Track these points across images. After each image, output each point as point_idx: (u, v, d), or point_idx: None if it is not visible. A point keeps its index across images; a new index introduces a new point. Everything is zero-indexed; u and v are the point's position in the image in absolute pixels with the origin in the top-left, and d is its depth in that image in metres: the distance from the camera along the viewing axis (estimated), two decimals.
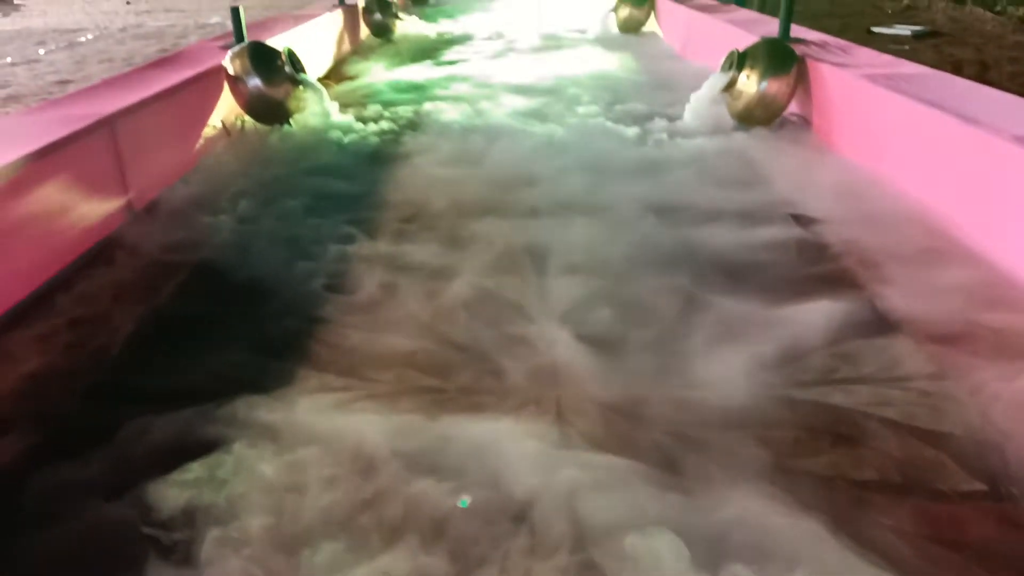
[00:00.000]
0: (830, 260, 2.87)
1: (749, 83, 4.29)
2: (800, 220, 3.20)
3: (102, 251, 3.12)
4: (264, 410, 2.11)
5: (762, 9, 7.79)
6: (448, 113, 5.07)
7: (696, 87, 4.62)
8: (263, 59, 4.52)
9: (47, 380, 2.34)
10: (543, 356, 2.32)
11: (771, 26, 5.39)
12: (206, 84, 4.39)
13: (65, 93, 4.91)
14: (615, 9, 8.47)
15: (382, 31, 8.38)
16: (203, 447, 1.97)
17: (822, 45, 4.66)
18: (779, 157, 3.93)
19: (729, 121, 4.43)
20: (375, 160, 4.23)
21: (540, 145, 4.31)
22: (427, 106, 5.30)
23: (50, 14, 13.41)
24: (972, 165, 2.92)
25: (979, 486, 1.77)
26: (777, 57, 4.35)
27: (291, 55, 4.65)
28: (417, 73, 6.62)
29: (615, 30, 8.46)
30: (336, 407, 2.14)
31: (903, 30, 7.95)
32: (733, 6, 7.58)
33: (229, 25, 4.90)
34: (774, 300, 2.56)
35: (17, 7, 15.59)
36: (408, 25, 8.72)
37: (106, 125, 3.32)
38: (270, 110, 4.60)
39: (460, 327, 2.49)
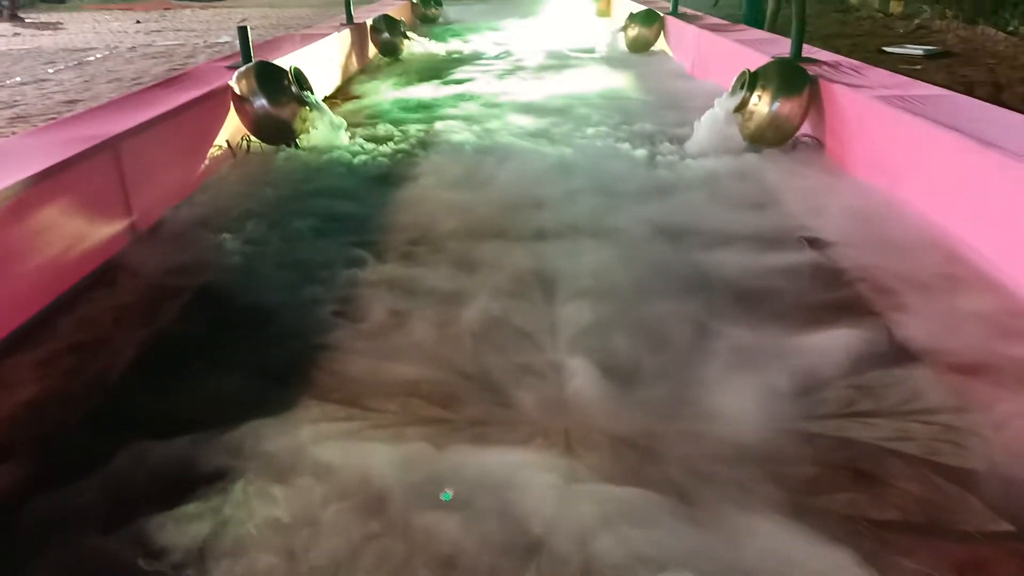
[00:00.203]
0: (845, 286, 2.81)
1: (761, 104, 4.24)
2: (814, 244, 3.14)
3: (104, 273, 3.07)
4: (267, 439, 2.06)
5: (772, 29, 7.76)
6: (456, 133, 5.03)
7: (706, 107, 4.57)
8: (269, 79, 4.50)
9: (45, 406, 2.28)
10: (551, 385, 2.26)
11: (782, 46, 5.35)
12: (212, 104, 4.37)
13: (72, 112, 4.90)
14: (624, 28, 8.45)
15: (390, 50, 8.38)
16: (204, 477, 1.91)
17: (834, 65, 4.61)
18: (791, 179, 3.87)
19: (740, 142, 4.37)
20: (382, 181, 4.18)
21: (549, 166, 4.26)
22: (435, 126, 5.27)
23: (71, 31, 13.48)
24: (991, 188, 2.86)
25: (1005, 527, 1.70)
26: (789, 77, 4.30)
27: (298, 74, 4.62)
28: (425, 92, 6.60)
29: (624, 49, 8.43)
30: (341, 437, 2.08)
31: (914, 50, 7.90)
32: (742, 26, 7.57)
33: (238, 45, 4.88)
34: (788, 328, 2.49)
35: (23, 21, 15.73)
36: (416, 44, 8.71)
37: (109, 146, 3.28)
38: (276, 130, 4.57)
39: (466, 355, 2.44)
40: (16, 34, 13.47)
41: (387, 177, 4.24)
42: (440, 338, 2.54)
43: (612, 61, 7.90)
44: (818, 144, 4.29)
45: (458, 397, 2.23)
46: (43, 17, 16.39)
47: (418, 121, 5.47)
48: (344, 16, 8.16)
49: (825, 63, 4.69)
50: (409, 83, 7.02)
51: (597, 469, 1.92)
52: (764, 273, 2.89)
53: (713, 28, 7.00)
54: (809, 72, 4.36)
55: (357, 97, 6.55)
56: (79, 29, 14.16)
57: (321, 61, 6.58)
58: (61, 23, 15.47)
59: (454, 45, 9.48)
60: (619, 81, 6.86)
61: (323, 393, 2.27)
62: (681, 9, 8.35)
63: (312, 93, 4.72)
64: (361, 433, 2.10)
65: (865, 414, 2.07)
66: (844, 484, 1.83)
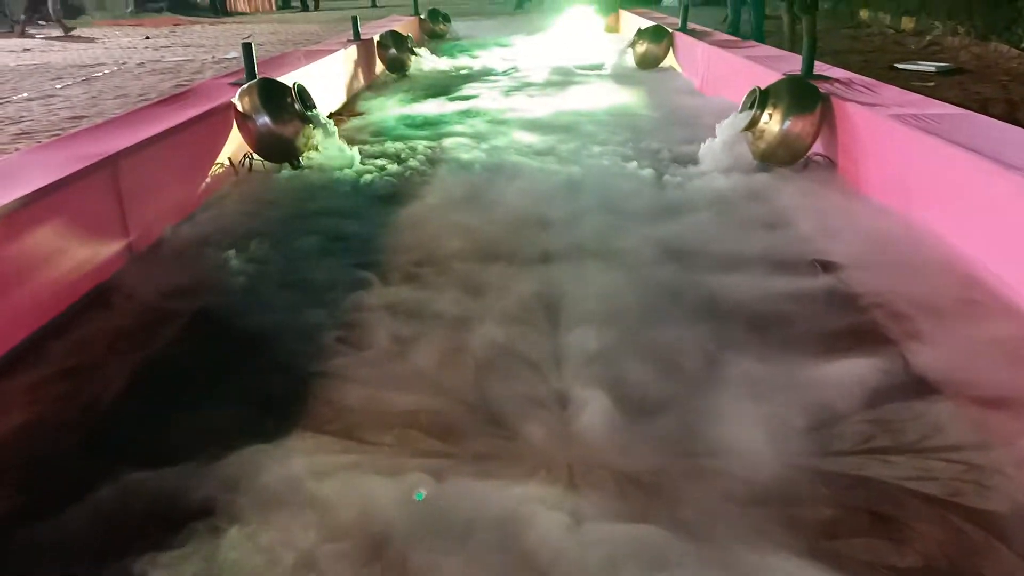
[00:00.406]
0: (860, 312, 2.71)
1: (771, 122, 4.16)
2: (827, 267, 3.05)
3: (100, 295, 3.00)
4: (262, 472, 1.98)
5: (792, 46, 7.68)
6: (462, 151, 4.97)
7: (716, 124, 4.49)
8: (272, 96, 4.44)
9: (34, 434, 2.21)
10: (555, 417, 2.18)
11: (793, 63, 5.28)
12: (214, 121, 4.31)
13: (77, 128, 4.85)
14: (632, 44, 8.40)
15: (397, 66, 8.34)
16: (195, 512, 1.84)
17: (847, 83, 4.53)
18: (803, 199, 3.78)
19: (751, 161, 4.29)
20: (386, 199, 4.11)
21: (556, 185, 4.19)
22: (441, 143, 5.20)
23: (81, 47, 13.52)
24: (1010, 211, 2.77)
25: None
26: (801, 95, 4.22)
27: (301, 91, 4.56)
28: (432, 108, 6.55)
29: (633, 65, 8.37)
30: (338, 470, 2.00)
31: (927, 67, 7.82)
32: (752, 42, 7.51)
33: (255, 56, 4.83)
34: (801, 357, 2.40)
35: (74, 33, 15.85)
36: (424, 60, 8.67)
37: (107, 165, 3.22)
38: (279, 148, 4.51)
39: (468, 384, 2.36)
40: (26, 49, 13.50)
41: (392, 196, 4.17)
42: (441, 365, 2.47)
43: (620, 77, 7.84)
44: (830, 163, 4.21)
45: (458, 429, 2.15)
46: (54, 32, 16.44)
47: (424, 138, 5.40)
48: (351, 32, 8.13)
49: (837, 80, 4.61)
50: (416, 99, 6.97)
51: (603, 507, 1.83)
52: (776, 298, 2.80)
53: (723, 44, 6.94)
54: (821, 90, 4.28)
55: (363, 113, 6.50)
56: (89, 44, 14.20)
57: (327, 77, 6.54)
58: (77, 36, 15.54)
59: (462, 61, 9.44)
60: (627, 98, 6.80)
61: (320, 424, 2.19)
62: (690, 25, 8.29)
63: (316, 110, 4.66)
64: (359, 466, 2.03)
65: (883, 451, 1.98)
66: (862, 527, 1.74)
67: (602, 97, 6.83)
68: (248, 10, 23.22)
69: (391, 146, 5.17)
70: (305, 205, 4.05)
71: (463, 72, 8.65)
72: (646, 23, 8.87)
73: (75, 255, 2.96)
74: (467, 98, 6.99)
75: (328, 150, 4.64)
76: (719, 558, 1.65)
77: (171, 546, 1.74)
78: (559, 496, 1.87)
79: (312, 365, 2.48)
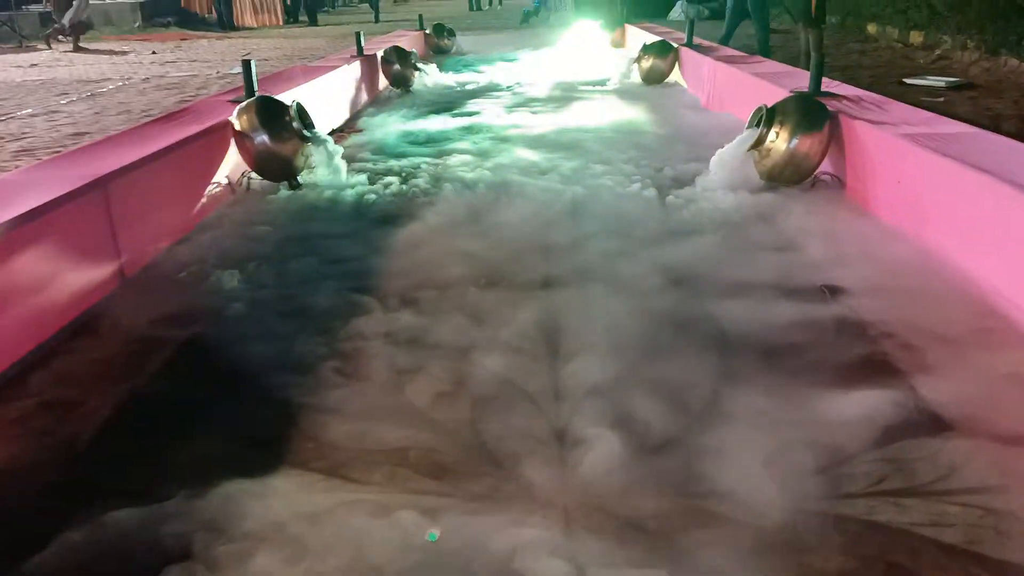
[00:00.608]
0: (870, 341, 2.61)
1: (778, 141, 4.07)
2: (836, 293, 2.95)
3: (87, 323, 2.92)
4: (243, 512, 1.91)
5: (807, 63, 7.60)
6: (465, 169, 4.88)
7: (722, 142, 4.39)
8: (270, 114, 4.37)
9: (11, 473, 2.13)
10: (553, 455, 2.08)
11: (800, 79, 5.20)
12: (211, 140, 4.24)
13: (78, 145, 4.79)
14: (638, 59, 8.31)
15: (401, 82, 8.28)
16: (172, 555, 1.76)
17: (856, 100, 4.44)
18: (811, 221, 3.68)
19: (757, 180, 4.19)
20: (386, 221, 4.02)
21: (558, 206, 4.10)
22: (443, 162, 5.12)
23: (89, 62, 13.52)
24: None
25: None
26: (808, 113, 4.13)
27: (300, 109, 4.49)
28: (434, 125, 6.48)
29: (638, 80, 8.29)
30: (326, 510, 1.91)
31: (936, 81, 7.72)
32: (759, 57, 7.43)
33: (254, 73, 4.77)
34: (810, 390, 2.31)
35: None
36: (427, 76, 8.61)
37: (98, 186, 3.15)
38: (277, 167, 4.43)
39: (462, 418, 2.26)
40: (33, 65, 13.52)
41: (392, 216, 4.08)
42: (436, 398, 2.37)
43: (625, 93, 7.76)
44: (839, 183, 4.11)
45: (451, 468, 2.06)
46: (62, 47, 16.48)
47: (426, 156, 5.33)
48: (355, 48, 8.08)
49: (845, 98, 4.52)
50: (419, 116, 6.91)
51: (603, 555, 1.74)
52: (783, 326, 2.70)
53: (729, 60, 6.85)
54: (829, 107, 4.19)
55: (365, 130, 6.43)
56: (96, 59, 14.21)
57: (330, 94, 6.47)
58: (84, 50, 15.57)
59: (466, 76, 9.39)
60: (632, 114, 6.72)
61: (306, 460, 2.11)
62: (696, 40, 8.21)
63: (315, 129, 4.59)
64: (347, 506, 1.94)
65: (896, 493, 1.88)
66: None
67: (606, 113, 6.75)
68: (255, 24, 23.26)
69: (393, 164, 5.10)
70: (303, 226, 3.97)
71: (467, 87, 8.59)
72: (652, 38, 8.79)
73: (62, 280, 2.88)
74: (471, 114, 6.92)
75: (328, 169, 4.57)
76: None
77: None
78: (557, 542, 1.78)
79: (302, 397, 2.40)
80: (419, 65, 8.55)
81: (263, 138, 4.31)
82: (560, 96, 7.77)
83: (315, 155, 4.53)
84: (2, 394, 2.46)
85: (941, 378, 2.34)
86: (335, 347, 2.70)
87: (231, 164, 4.41)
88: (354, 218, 4.10)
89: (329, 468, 2.07)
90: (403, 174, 4.81)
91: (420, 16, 12.49)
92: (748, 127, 4.30)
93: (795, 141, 4.03)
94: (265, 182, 4.51)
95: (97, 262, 3.10)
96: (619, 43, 11.80)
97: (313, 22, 22.76)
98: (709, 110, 6.74)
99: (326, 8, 29.34)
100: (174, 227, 3.75)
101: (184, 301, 3.12)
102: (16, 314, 2.63)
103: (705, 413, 2.22)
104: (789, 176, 4.11)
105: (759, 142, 4.13)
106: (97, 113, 8.09)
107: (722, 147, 4.33)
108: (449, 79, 9.01)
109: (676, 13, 18.02)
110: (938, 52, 9.64)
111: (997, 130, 5.07)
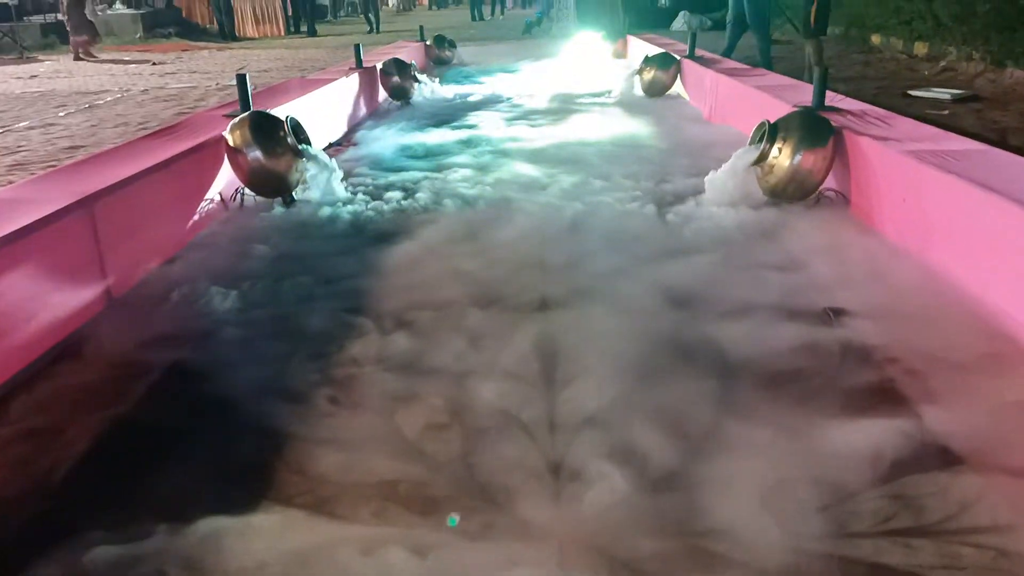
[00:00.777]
0: (876, 367, 2.52)
1: (781, 157, 3.99)
2: (840, 315, 2.87)
3: (72, 346, 2.84)
4: (223, 550, 1.84)
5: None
6: (463, 185, 4.81)
7: (724, 156, 4.31)
8: (264, 129, 4.30)
9: None
10: (546, 489, 2.01)
11: (803, 92, 5.13)
12: (203, 156, 4.17)
13: (72, 160, 4.73)
14: (640, 71, 8.24)
15: (400, 94, 8.22)
16: None
17: (860, 115, 4.36)
18: (814, 239, 3.61)
19: (760, 197, 4.12)
20: (382, 238, 3.94)
21: (558, 224, 4.03)
22: (441, 176, 5.04)
23: (89, 73, 13.49)
24: None
25: None
26: (812, 129, 4.05)
27: (295, 124, 4.42)
28: (433, 138, 6.41)
29: (640, 93, 8.22)
30: (316, 548, 1.85)
31: (942, 93, 7.65)
32: (762, 70, 7.37)
33: (249, 87, 4.71)
34: (813, 419, 2.22)
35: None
36: (427, 88, 8.55)
37: (84, 205, 3.08)
38: (271, 183, 4.36)
39: (453, 449, 2.19)
40: (33, 76, 13.51)
41: (388, 234, 4.00)
42: (427, 429, 2.29)
43: (627, 105, 7.69)
44: (843, 200, 4.03)
45: (441, 502, 1.98)
46: (62, 59, 16.48)
47: (424, 170, 5.25)
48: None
49: (850, 112, 4.45)
50: (417, 129, 6.84)
51: None
52: (786, 351, 2.62)
53: (731, 72, 6.79)
54: (833, 123, 4.12)
55: (363, 144, 6.35)
56: (96, 70, 14.20)
57: (327, 107, 6.41)
58: (84, 61, 15.56)
59: (466, 88, 9.33)
60: (634, 127, 6.65)
61: (291, 496, 2.03)
62: (698, 52, 8.15)
63: (310, 144, 4.52)
64: (336, 543, 1.87)
65: (904, 532, 1.80)
66: None
67: (608, 126, 6.69)
68: (256, 35, 23.28)
69: (390, 179, 5.02)
70: (297, 244, 3.90)
71: (468, 99, 8.53)
72: (654, 50, 8.73)
73: (46, 302, 2.81)
74: (470, 127, 6.85)
75: (323, 186, 4.49)
76: None
77: None
78: None
79: (290, 426, 2.32)
80: (419, 77, 8.49)
81: (257, 154, 4.24)
82: (561, 108, 7.71)
83: (310, 171, 4.46)
84: None
85: (949, 406, 2.26)
86: (326, 372, 2.63)
87: (224, 180, 4.34)
88: (350, 235, 4.03)
89: (315, 503, 1.99)
90: (401, 189, 4.73)
91: (421, 27, 12.46)
92: (751, 143, 4.22)
93: (798, 157, 3.96)
94: (259, 199, 4.45)
95: (82, 283, 3.03)
96: (621, 54, 11.75)
97: (312, 32, 22.73)
98: (711, 123, 6.67)
99: (328, 19, 29.35)
100: (164, 245, 3.68)
101: (173, 323, 3.05)
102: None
103: (705, 444, 2.14)
104: (792, 193, 4.04)
105: (762, 158, 4.06)
106: (94, 126, 8.04)
107: (723, 163, 4.24)
108: (449, 91, 8.95)
109: (678, 24, 17.99)
110: (943, 63, 9.57)
111: (1003, 143, 5.01)
